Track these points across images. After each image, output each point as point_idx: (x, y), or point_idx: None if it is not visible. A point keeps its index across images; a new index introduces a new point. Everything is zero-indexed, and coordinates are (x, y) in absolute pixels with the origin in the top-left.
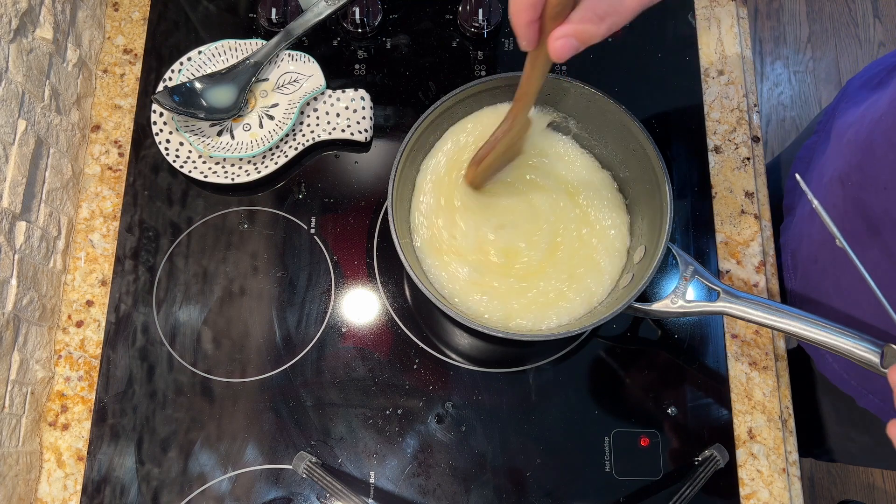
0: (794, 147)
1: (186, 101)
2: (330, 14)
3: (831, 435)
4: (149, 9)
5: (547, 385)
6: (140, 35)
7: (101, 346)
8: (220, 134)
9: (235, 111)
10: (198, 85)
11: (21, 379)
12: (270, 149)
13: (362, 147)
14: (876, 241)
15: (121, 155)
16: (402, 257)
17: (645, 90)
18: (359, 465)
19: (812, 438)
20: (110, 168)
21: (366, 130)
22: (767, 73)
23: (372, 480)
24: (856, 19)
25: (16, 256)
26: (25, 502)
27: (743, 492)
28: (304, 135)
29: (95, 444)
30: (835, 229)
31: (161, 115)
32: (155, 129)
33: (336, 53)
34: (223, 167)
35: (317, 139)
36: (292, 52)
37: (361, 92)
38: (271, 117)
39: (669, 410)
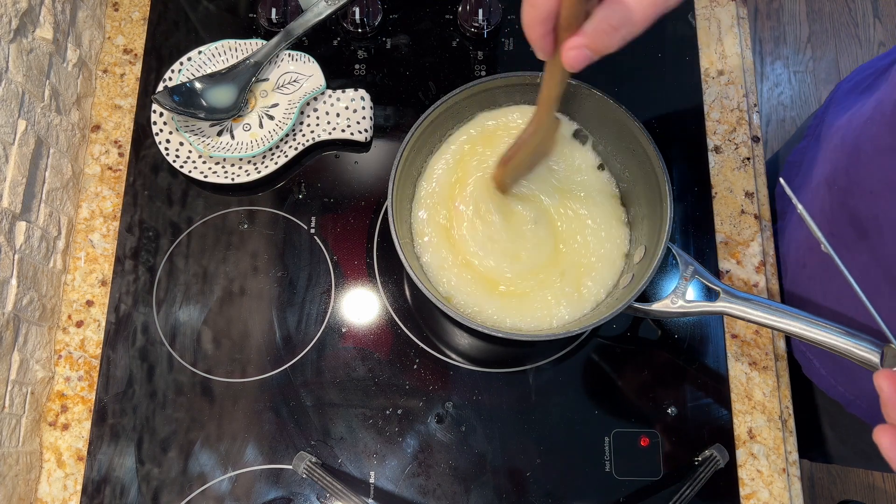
0: (786, 149)
1: (186, 101)
2: (330, 14)
3: (826, 438)
4: (149, 9)
5: (547, 385)
6: (140, 35)
7: (101, 346)
8: (220, 134)
9: (235, 111)
10: (198, 85)
11: (21, 379)
12: (270, 149)
13: (362, 147)
14: (863, 245)
15: (121, 155)
16: (402, 257)
17: (645, 90)
18: (359, 465)
19: (808, 441)
20: (110, 168)
21: (366, 130)
22: (767, 73)
23: (372, 480)
24: (856, 19)
25: (16, 256)
26: (25, 502)
27: (743, 492)
28: (304, 135)
29: (95, 444)
30: (820, 234)
31: (161, 115)
32: (155, 129)
33: (336, 53)
34: (223, 167)
35: (317, 139)
36: (292, 52)
37: (361, 92)
38: (271, 117)
39: (669, 410)
